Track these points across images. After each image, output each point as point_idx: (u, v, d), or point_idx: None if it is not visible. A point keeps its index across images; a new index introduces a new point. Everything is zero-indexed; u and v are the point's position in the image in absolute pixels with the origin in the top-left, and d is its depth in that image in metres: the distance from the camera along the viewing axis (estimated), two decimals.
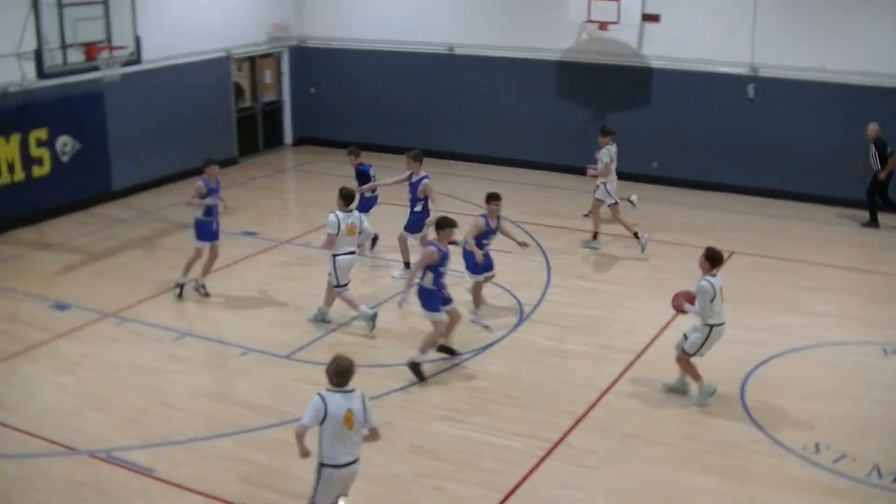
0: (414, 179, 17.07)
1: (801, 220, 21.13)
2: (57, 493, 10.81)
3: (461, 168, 24.89)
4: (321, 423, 9.05)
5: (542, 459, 11.51)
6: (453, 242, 14.03)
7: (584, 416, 12.52)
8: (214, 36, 24.30)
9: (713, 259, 12.56)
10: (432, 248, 13.52)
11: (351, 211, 14.89)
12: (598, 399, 12.96)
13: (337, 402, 9.05)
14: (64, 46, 18.66)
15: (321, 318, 15.36)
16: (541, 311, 15.91)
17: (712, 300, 12.36)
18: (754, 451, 11.72)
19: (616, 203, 18.80)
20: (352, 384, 9.19)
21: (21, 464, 11.38)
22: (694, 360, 12.82)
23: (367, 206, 17.72)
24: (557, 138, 24.31)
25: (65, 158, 20.50)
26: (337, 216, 14.67)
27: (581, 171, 20.30)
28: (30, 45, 18.68)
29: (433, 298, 13.56)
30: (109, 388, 13.21)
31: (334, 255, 14.81)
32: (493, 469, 11.31)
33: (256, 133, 26.62)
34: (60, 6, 18.34)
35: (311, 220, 20.31)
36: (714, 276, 12.50)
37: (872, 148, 20.26)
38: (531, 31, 24.32)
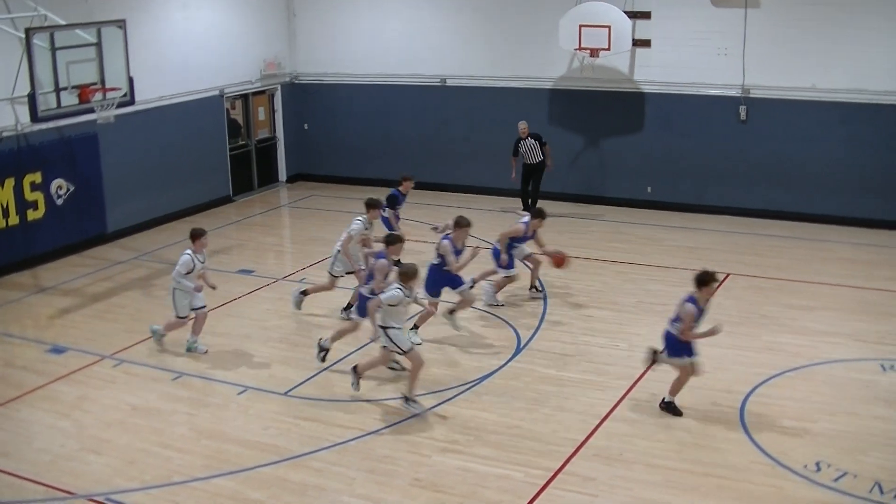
0: None
1: (796, 238, 21.17)
2: None
3: (454, 199, 24.89)
4: None
5: (544, 488, 11.46)
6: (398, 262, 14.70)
7: (583, 443, 12.48)
8: (207, 75, 24.42)
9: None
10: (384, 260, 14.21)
11: None
12: (598, 426, 12.92)
13: None
14: (57, 89, 18.59)
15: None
16: (538, 340, 15.89)
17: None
18: (755, 473, 11.67)
19: None
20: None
21: None
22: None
23: None
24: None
25: (59, 201, 20.55)
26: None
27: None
28: (23, 89, 18.70)
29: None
30: (108, 430, 13.16)
31: None
32: (494, 499, 11.24)
33: (251, 170, 26.66)
34: (53, 50, 18.32)
35: (307, 257, 20.32)
36: None
37: (531, 142, 22.92)
38: (523, 61, 24.44)
